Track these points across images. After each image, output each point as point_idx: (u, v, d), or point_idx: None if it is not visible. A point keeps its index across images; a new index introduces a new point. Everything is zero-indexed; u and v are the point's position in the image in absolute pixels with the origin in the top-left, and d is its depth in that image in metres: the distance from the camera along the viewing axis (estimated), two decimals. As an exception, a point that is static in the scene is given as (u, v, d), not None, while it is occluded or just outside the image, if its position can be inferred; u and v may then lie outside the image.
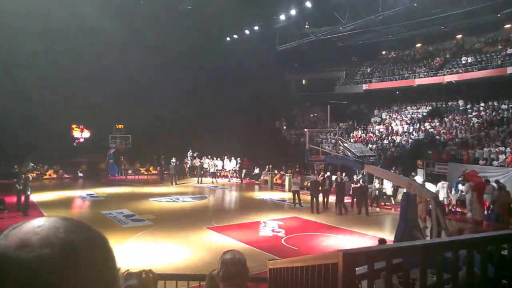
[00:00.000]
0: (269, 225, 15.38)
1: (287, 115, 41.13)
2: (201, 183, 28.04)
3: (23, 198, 16.61)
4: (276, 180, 27.65)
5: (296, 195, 19.33)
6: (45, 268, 0.64)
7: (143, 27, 34.46)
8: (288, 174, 25.79)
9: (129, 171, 31.39)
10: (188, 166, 30.83)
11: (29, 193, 16.67)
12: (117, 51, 34.34)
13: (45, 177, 29.31)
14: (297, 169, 27.21)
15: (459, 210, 18.17)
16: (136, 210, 17.77)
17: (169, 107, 34.36)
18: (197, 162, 30.00)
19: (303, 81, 43.75)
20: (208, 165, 29.86)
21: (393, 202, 19.88)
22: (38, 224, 0.70)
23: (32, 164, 29.10)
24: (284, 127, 39.02)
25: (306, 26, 31.02)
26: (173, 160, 28.83)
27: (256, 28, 32.78)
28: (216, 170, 29.67)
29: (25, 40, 30.42)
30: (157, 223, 15.47)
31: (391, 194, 19.91)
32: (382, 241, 9.30)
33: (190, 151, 32.43)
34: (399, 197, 17.81)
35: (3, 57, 27.29)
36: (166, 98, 35.99)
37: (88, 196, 22.26)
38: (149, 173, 32.24)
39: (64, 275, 0.65)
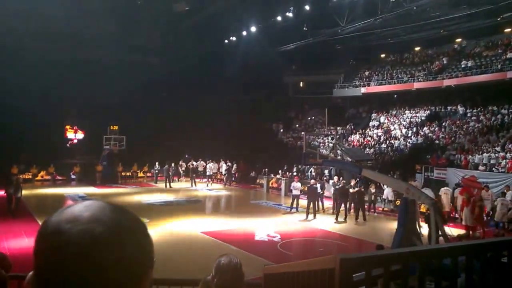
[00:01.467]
0: (264, 229, 15.02)
1: (284, 118, 40.82)
2: (195, 186, 27.65)
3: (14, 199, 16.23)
4: (272, 184, 27.29)
5: (295, 199, 18.91)
6: (91, 241, 0.70)
7: (139, 27, 34.31)
8: (284, 178, 25.45)
9: (123, 173, 30.76)
10: (183, 169, 30.32)
11: (19, 195, 16.28)
12: (112, 51, 34.17)
13: (37, 178, 28.57)
14: (294, 173, 26.87)
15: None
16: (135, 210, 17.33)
17: (165, 108, 34.02)
18: (191, 165, 29.56)
19: (301, 84, 43.47)
20: (204, 168, 29.41)
21: (391, 207, 19.58)
22: (87, 204, 0.79)
23: (23, 166, 28.24)
24: (281, 130, 38.68)
25: (305, 28, 30.75)
26: (171, 163, 28.50)
27: (253, 29, 32.46)
28: (213, 173, 29.23)
29: (19, 39, 30.21)
30: (150, 226, 15.09)
31: (392, 199, 19.54)
32: (379, 247, 9.02)
33: (187, 155, 31.96)
34: (398, 202, 17.55)
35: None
36: (162, 99, 35.74)
37: (80, 198, 21.86)
38: (144, 175, 31.64)
39: (109, 249, 0.71)
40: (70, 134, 31.79)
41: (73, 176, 29.82)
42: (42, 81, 29.81)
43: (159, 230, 14.61)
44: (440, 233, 9.87)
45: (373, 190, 19.37)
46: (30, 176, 28.01)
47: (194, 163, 29.59)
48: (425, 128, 28.58)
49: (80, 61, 32.71)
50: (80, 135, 31.98)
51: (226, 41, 35.51)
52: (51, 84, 30.32)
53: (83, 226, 0.72)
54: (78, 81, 31.46)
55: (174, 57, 35.57)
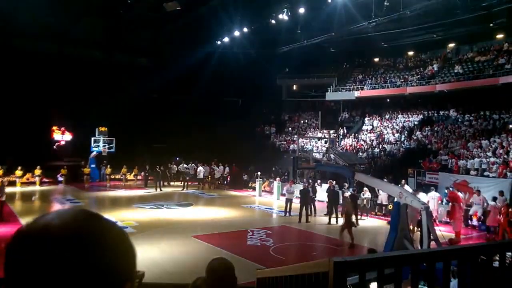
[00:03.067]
0: (257, 233, 14.89)
1: (277, 121, 40.76)
2: (187, 189, 27.44)
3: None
4: (264, 187, 27.17)
5: (289, 203, 18.85)
6: (62, 247, 0.71)
7: (129, 27, 34.06)
8: (277, 182, 25.36)
9: (112, 176, 30.31)
10: (173, 172, 30.01)
11: (3, 198, 15.98)
12: (101, 51, 33.94)
13: (22, 181, 27.54)
14: (286, 177, 26.77)
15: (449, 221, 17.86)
16: (118, 216, 17.15)
17: (156, 110, 33.71)
18: (182, 168, 29.30)
19: (294, 87, 43.47)
20: (195, 171, 29.14)
21: (383, 211, 19.59)
22: (61, 211, 0.78)
23: (6, 168, 27.03)
24: (274, 133, 38.58)
25: (298, 31, 30.74)
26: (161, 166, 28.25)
27: (246, 31, 32.34)
28: (204, 176, 29.00)
29: (3, 36, 29.73)
30: (140, 230, 14.92)
31: (387, 203, 19.52)
32: (371, 251, 8.97)
33: (177, 158, 31.68)
34: (390, 206, 17.53)
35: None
36: (153, 101, 35.44)
37: (67, 201, 21.58)
38: (134, 178, 31.17)
39: (74, 257, 0.71)
40: (57, 136, 30.87)
41: (60, 178, 29.09)
42: (28, 81, 29.36)
43: (149, 234, 14.44)
44: (432, 237, 9.86)
45: (366, 195, 19.38)
46: (15, 179, 27.10)
47: (185, 166, 29.37)
48: (417, 133, 28.66)
49: (68, 61, 32.36)
50: (67, 136, 31.10)
51: (219, 42, 35.37)
52: (38, 84, 29.88)
53: (53, 234, 0.72)
54: (66, 81, 31.08)
55: (164, 58, 35.30)
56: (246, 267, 9.64)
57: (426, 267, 2.07)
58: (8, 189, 18.63)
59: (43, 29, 30.40)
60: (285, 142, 35.66)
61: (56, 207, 20.19)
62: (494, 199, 15.89)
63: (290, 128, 38.64)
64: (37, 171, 28.03)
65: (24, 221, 15.12)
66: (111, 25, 34.03)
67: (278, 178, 26.26)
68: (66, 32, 32.16)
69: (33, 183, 27.96)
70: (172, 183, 29.48)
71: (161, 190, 26.56)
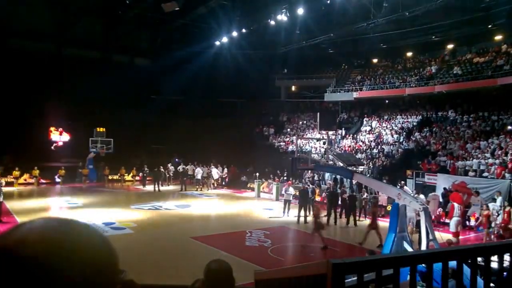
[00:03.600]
0: (255, 234, 14.86)
1: (276, 122, 40.72)
2: (185, 190, 27.36)
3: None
4: (263, 188, 27.13)
5: (287, 204, 18.87)
6: (38, 261, 0.69)
7: (127, 27, 33.92)
8: (276, 183, 25.32)
9: (110, 177, 30.20)
10: (171, 172, 29.89)
11: (1, 199, 15.91)
12: (100, 51, 33.79)
13: (19, 181, 27.51)
14: (285, 177, 26.73)
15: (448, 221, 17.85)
16: (116, 217, 17.11)
17: (154, 111, 33.57)
18: (181, 168, 29.22)
19: (293, 87, 43.45)
20: (194, 172, 29.04)
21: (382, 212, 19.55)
22: (34, 222, 0.76)
23: (2, 168, 27.18)
24: (272, 134, 38.53)
25: (297, 31, 30.72)
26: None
27: (244, 31, 32.25)
28: (202, 177, 28.90)
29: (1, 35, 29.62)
30: (139, 231, 14.89)
31: (386, 204, 19.49)
32: (371, 252, 8.94)
33: (176, 159, 31.58)
34: (388, 207, 17.50)
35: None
36: (151, 101, 35.29)
37: (65, 202, 21.52)
38: (132, 179, 31.10)
39: (54, 268, 0.69)
40: (55, 136, 30.69)
41: (58, 179, 28.86)
42: (26, 80, 29.18)
43: (148, 235, 14.41)
44: (430, 237, 9.86)
45: (364, 195, 19.37)
46: (12, 179, 27.05)
47: (184, 167, 29.28)
48: (416, 134, 28.66)
49: (66, 60, 32.23)
50: (65, 137, 30.92)
51: (218, 42, 35.31)
52: (35, 84, 29.70)
53: (28, 248, 0.71)
54: (64, 81, 30.98)
55: (162, 58, 35.17)
56: (244, 268, 9.57)
57: (424, 268, 2.06)
58: (6, 189, 18.56)
59: (41, 28, 30.34)
60: (283, 143, 35.63)
61: (54, 207, 20.16)
62: (493, 200, 15.90)
63: (288, 129, 38.60)
64: (35, 172, 27.90)
65: (21, 220, 15.03)
66: (109, 25, 33.97)
67: (276, 179, 26.19)
68: (65, 32, 32.07)
69: (31, 183, 27.85)
70: (170, 184, 29.40)
71: (159, 190, 26.51)
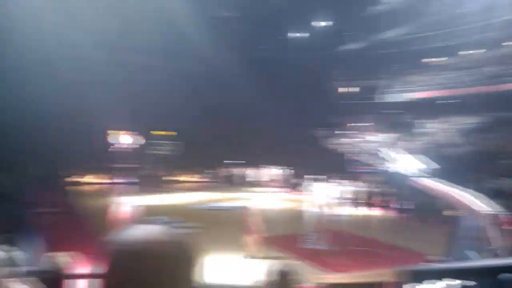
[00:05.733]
0: (315, 237, 14.76)
1: (331, 123, 40.13)
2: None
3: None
4: (319, 190, 26.76)
5: (345, 206, 18.72)
6: (157, 260, 0.96)
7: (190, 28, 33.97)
8: (333, 184, 24.97)
9: (170, 179, 30.62)
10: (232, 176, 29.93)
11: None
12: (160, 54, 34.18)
13: (81, 181, 28.64)
14: (342, 179, 26.30)
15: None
16: (181, 217, 17.51)
17: (219, 111, 33.96)
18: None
19: (348, 89, 42.67)
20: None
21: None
22: (148, 227, 1.04)
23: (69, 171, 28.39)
24: (327, 136, 38.02)
25: (355, 33, 30.21)
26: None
27: (298, 35, 32.18)
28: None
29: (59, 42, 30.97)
30: (204, 231, 15.10)
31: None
32: (432, 260, 8.66)
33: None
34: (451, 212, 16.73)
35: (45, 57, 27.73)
36: (215, 103, 35.55)
37: (128, 203, 22.18)
38: (199, 180, 31.55)
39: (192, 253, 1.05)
40: (116, 138, 31.83)
41: (120, 181, 29.60)
42: (88, 84, 30.31)
43: (213, 236, 14.65)
44: (498, 246, 9.37)
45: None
46: (79, 181, 28.38)
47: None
48: (483, 135, 27.19)
49: (127, 65, 33.28)
50: (127, 139, 32.00)
51: (282, 42, 34.86)
52: (97, 87, 30.54)
53: (148, 246, 0.98)
54: (125, 84, 31.84)
55: (225, 59, 35.31)
56: (306, 271, 9.60)
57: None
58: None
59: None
60: (342, 145, 35.09)
61: (118, 208, 20.90)
62: None
63: (344, 131, 37.96)
64: (98, 175, 29.26)
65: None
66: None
67: (335, 180, 25.85)
68: (123, 37, 32.83)
69: (94, 184, 28.92)
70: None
71: (224, 193, 26.76)
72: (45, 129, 26.51)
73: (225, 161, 31.88)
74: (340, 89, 42.31)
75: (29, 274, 3.33)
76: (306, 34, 32.07)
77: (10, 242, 7.50)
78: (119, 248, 0.97)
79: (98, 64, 30.78)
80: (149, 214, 18.16)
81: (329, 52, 36.05)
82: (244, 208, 13.79)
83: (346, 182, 24.28)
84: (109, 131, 31.88)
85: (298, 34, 32.04)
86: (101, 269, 0.99)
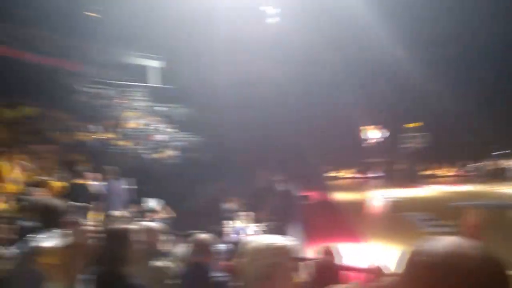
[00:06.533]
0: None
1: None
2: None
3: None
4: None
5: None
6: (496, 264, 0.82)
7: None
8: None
9: (424, 172, 29.23)
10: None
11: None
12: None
13: (337, 175, 30.59)
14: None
15: None
16: (440, 214, 16.15)
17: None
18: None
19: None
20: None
21: None
22: (451, 239, 0.87)
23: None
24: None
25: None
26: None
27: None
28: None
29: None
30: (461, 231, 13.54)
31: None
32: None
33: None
34: None
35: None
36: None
37: (382, 196, 21.89)
38: (456, 173, 29.27)
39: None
40: (369, 133, 31.87)
41: (373, 175, 29.90)
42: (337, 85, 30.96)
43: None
44: None
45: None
46: (336, 175, 30.23)
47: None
48: None
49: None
50: (378, 133, 31.74)
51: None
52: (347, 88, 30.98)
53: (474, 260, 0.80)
54: (373, 81, 31.76)
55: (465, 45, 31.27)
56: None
57: None
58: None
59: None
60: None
61: (371, 201, 20.89)
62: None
63: None
64: (351, 170, 30.83)
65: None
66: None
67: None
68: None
69: (347, 178, 30.68)
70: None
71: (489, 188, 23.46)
72: (309, 130, 27.72)
73: (492, 153, 28.00)
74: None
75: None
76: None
77: (283, 231, 8.38)
78: (423, 259, 0.84)
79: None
80: (404, 210, 17.56)
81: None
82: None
83: None
84: (361, 127, 32.45)
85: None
86: (399, 277, 0.87)
